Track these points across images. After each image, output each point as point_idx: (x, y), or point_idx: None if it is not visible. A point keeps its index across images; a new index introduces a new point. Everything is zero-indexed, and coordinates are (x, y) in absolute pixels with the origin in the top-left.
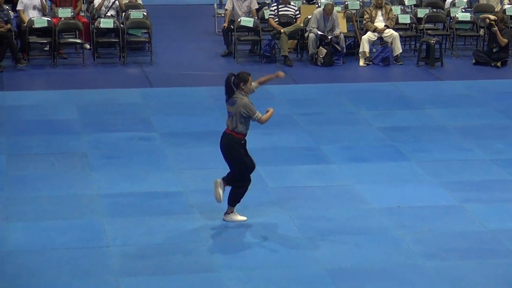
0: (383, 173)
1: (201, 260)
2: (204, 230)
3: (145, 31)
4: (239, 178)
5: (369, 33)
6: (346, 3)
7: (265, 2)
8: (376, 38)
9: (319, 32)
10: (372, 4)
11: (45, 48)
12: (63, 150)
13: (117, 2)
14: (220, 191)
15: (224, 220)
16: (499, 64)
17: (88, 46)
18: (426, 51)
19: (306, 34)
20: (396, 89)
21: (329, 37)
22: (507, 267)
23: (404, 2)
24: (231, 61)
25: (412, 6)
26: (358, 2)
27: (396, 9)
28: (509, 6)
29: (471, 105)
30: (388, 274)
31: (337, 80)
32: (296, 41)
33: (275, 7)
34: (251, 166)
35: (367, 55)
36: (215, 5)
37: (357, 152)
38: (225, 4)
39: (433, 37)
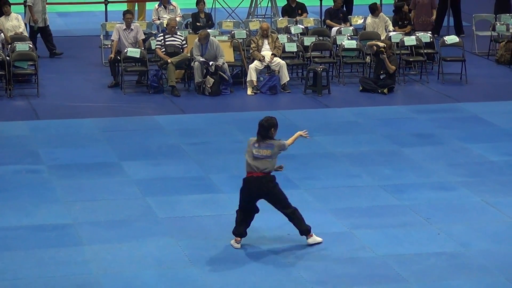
0: None
1: None
2: (94, 262)
3: (31, 63)
4: (287, 205)
5: (256, 62)
6: (233, 32)
7: (152, 33)
8: (263, 67)
9: (201, 59)
10: (258, 33)
11: None
12: None
13: (2, 34)
14: (238, 246)
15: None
16: (385, 90)
17: None
18: (313, 79)
19: (192, 63)
20: (284, 117)
21: (210, 63)
22: None
23: (290, 30)
24: (119, 92)
25: (299, 34)
26: (245, 31)
27: (283, 38)
28: (395, 33)
29: (359, 132)
30: None
31: (225, 109)
32: (183, 71)
33: (162, 37)
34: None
35: (255, 83)
36: (101, 36)
37: None
38: (111, 35)
39: (320, 65)
